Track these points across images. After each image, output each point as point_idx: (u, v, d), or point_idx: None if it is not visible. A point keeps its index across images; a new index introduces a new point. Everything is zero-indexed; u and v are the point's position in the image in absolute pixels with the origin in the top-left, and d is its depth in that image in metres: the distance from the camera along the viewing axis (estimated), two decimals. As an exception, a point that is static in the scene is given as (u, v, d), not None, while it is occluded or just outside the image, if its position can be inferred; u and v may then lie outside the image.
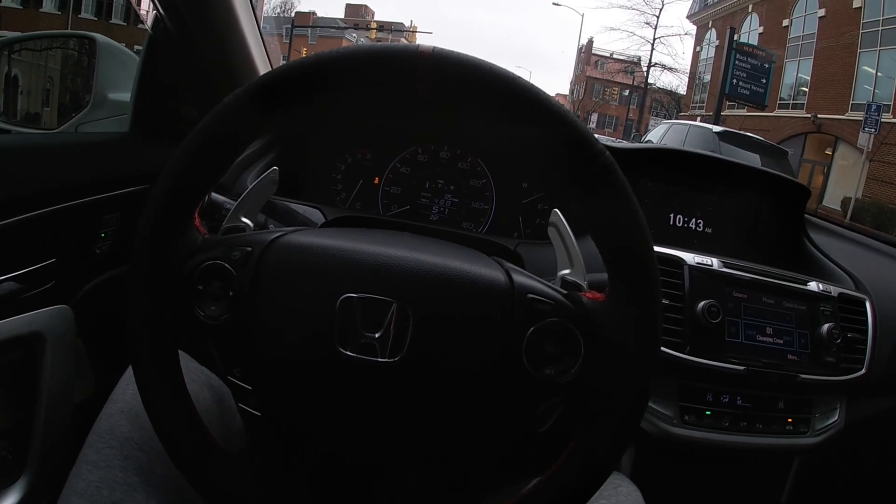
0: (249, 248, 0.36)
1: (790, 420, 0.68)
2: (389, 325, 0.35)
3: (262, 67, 0.73)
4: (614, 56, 24.71)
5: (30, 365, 0.58)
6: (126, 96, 0.73)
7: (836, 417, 0.71)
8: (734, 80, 10.95)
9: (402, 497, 0.43)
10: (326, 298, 0.35)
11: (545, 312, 0.36)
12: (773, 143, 7.15)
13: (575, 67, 32.97)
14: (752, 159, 5.44)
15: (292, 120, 0.37)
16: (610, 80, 24.75)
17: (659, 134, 8.19)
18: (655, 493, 0.57)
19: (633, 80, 22.96)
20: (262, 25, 0.72)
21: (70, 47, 0.89)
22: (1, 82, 0.78)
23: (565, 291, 0.38)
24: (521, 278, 0.37)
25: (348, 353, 0.34)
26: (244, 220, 0.41)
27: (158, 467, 0.43)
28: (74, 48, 0.87)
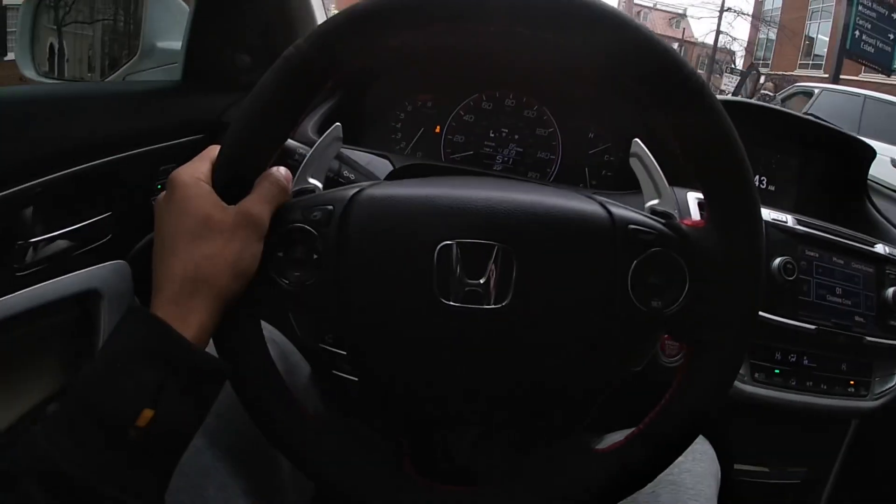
0: (330, 207, 0.34)
1: (852, 382, 0.68)
2: (492, 269, 0.33)
3: (318, 12, 0.70)
4: (658, 6, 22.94)
5: (87, 323, 0.57)
6: (174, 45, 0.71)
7: (893, 382, 0.71)
8: (856, 33, 7.78)
9: (502, 450, 0.42)
10: (422, 249, 0.33)
11: (648, 243, 0.34)
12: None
13: None
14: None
15: (356, 65, 0.35)
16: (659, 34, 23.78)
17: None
18: (723, 450, 0.57)
19: (683, 35, 21.13)
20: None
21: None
22: (43, 32, 0.75)
23: (664, 220, 0.36)
24: (619, 210, 0.36)
25: (452, 303, 0.33)
26: (312, 181, 0.38)
27: (227, 436, 0.42)
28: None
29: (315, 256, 0.34)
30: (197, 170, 0.33)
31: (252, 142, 0.33)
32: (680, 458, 0.35)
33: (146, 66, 0.72)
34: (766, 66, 14.11)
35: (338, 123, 0.40)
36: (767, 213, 0.62)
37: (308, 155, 0.39)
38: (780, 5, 14.72)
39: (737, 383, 0.61)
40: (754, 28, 15.97)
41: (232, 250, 0.32)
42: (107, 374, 0.28)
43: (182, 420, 0.30)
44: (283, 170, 0.35)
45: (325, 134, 0.39)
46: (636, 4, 22.14)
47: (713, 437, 0.58)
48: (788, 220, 0.63)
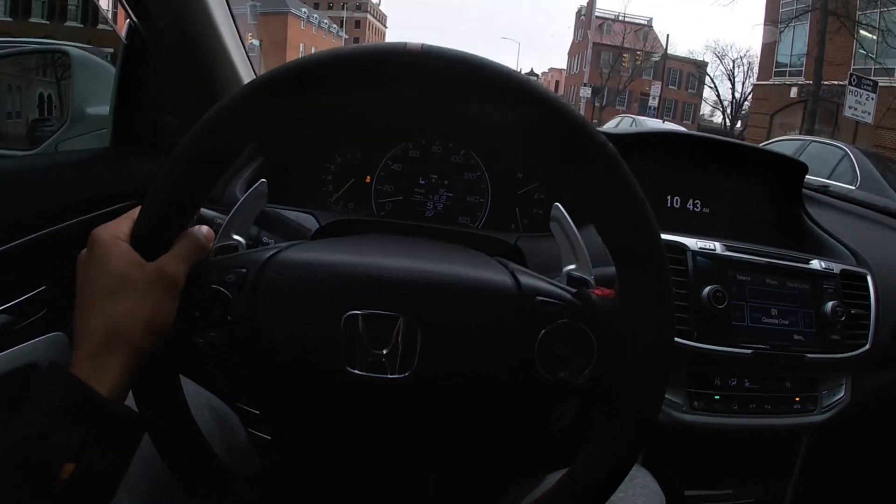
0: (244, 270, 0.35)
1: (798, 399, 0.68)
2: (397, 340, 0.33)
3: (244, 72, 0.71)
4: (621, 17, 21.88)
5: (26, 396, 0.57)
6: (104, 110, 0.71)
7: (842, 394, 0.71)
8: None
9: None
10: (329, 317, 0.34)
11: (555, 314, 0.35)
12: None
13: (574, 33, 28.48)
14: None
15: (279, 123, 0.36)
16: (623, 46, 21.12)
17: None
18: (669, 479, 0.57)
19: (645, 46, 20.42)
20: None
21: (45, 63, 0.86)
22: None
23: (574, 290, 0.37)
24: (527, 280, 0.36)
25: (357, 371, 0.33)
26: (236, 237, 0.40)
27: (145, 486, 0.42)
28: (50, 63, 0.84)
29: (229, 318, 0.34)
30: (117, 228, 0.34)
31: (171, 201, 0.34)
32: (619, 494, 0.35)
33: (78, 133, 0.72)
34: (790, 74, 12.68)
35: (263, 180, 0.41)
36: (694, 243, 0.63)
37: (232, 211, 0.40)
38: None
39: (675, 413, 0.62)
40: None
41: (147, 307, 0.33)
42: (29, 431, 0.30)
43: (103, 470, 0.31)
44: (204, 228, 0.36)
45: (251, 190, 0.40)
46: (599, 17, 21.46)
47: (655, 467, 0.58)
48: (717, 247, 0.64)
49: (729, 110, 18.50)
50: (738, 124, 17.59)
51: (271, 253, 0.36)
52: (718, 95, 18.86)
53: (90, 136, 0.72)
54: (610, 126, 8.56)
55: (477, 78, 0.31)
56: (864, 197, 0.90)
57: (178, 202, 0.34)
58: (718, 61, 18.62)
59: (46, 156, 0.74)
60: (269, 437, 0.44)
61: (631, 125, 8.90)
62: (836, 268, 0.70)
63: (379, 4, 43.12)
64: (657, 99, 17.87)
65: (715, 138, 0.78)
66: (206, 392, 0.52)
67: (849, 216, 0.84)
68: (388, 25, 45.78)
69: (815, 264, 0.69)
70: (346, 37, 36.74)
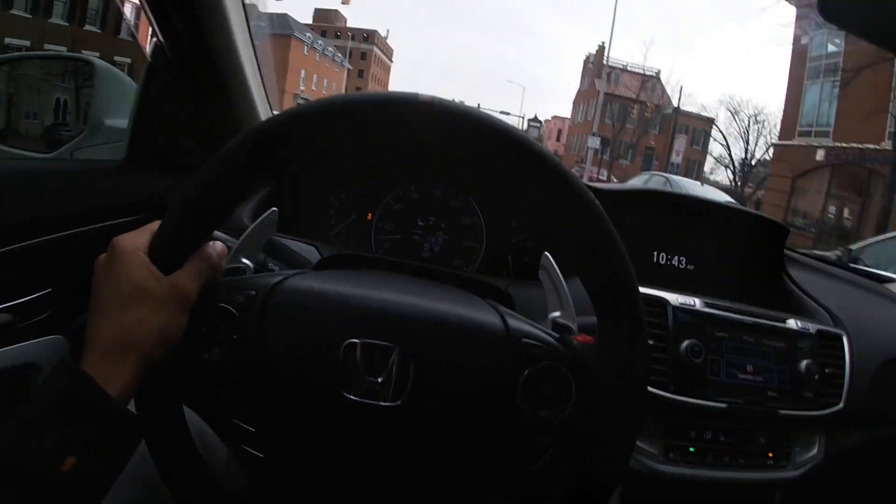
0: (253, 293, 0.37)
1: (771, 454, 0.70)
2: (392, 370, 0.36)
3: (259, 99, 0.74)
4: (629, 68, 21.28)
5: (24, 396, 0.58)
6: (122, 123, 0.74)
7: (815, 451, 0.73)
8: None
9: None
10: (330, 343, 0.36)
11: (539, 356, 0.37)
12: None
13: (581, 81, 28.08)
14: None
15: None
16: (639, 99, 20.21)
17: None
18: None
19: (653, 98, 19.40)
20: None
21: (67, 70, 0.89)
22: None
23: (557, 335, 0.39)
24: (515, 322, 0.39)
25: (352, 397, 0.35)
26: (244, 261, 0.42)
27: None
28: (71, 70, 0.87)
29: (235, 336, 0.36)
30: (137, 239, 0.36)
31: (191, 220, 0.36)
32: None
33: (95, 142, 0.75)
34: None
35: (275, 209, 0.43)
36: (676, 298, 0.66)
37: (243, 236, 0.42)
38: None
39: (651, 463, 0.63)
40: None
41: (160, 319, 0.34)
42: (35, 422, 0.31)
43: (102, 467, 0.32)
44: (219, 245, 0.39)
45: (263, 217, 0.43)
46: (608, 66, 20.40)
47: None
48: (696, 303, 0.67)
49: (737, 169, 17.44)
50: (749, 185, 16.60)
51: (280, 279, 0.39)
52: (730, 153, 17.85)
53: (106, 147, 0.74)
54: (635, 183, 8.00)
55: (479, 133, 0.35)
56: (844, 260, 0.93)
57: (197, 222, 0.37)
58: (732, 117, 17.55)
59: (61, 161, 0.76)
60: (262, 455, 0.45)
61: (664, 186, 7.96)
62: (813, 328, 0.73)
63: (386, 38, 43.18)
64: (680, 155, 17.19)
65: (701, 198, 0.82)
66: (187, 410, 0.54)
67: (828, 278, 0.87)
68: (393, 60, 45.74)
69: (792, 323, 0.72)
70: (350, 67, 36.63)
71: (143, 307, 0.34)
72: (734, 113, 17.57)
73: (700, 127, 20.19)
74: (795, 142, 11.28)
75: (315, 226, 0.75)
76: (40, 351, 0.58)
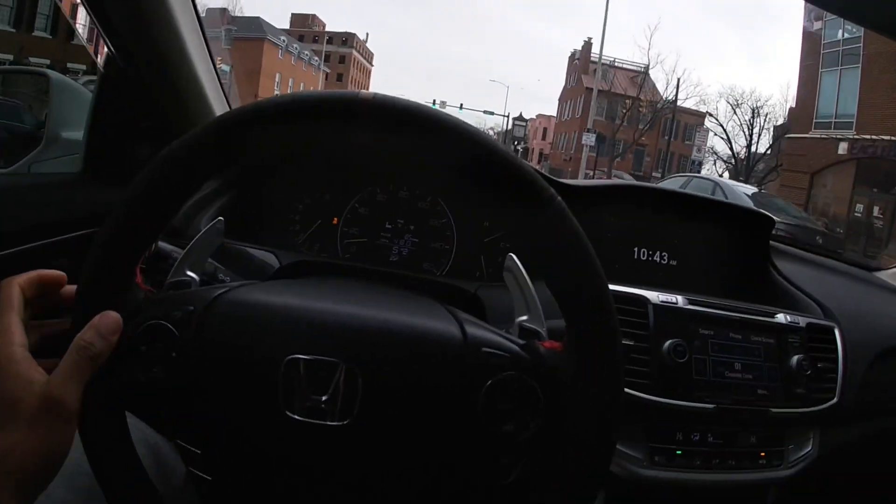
0: (191, 307, 0.35)
1: (763, 454, 0.67)
2: (337, 386, 0.33)
3: (217, 104, 0.71)
4: (617, 63, 21.05)
5: None
6: (79, 135, 0.71)
7: (809, 448, 0.70)
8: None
9: None
10: (271, 360, 0.33)
11: (501, 366, 0.34)
12: None
13: (567, 78, 27.74)
14: None
15: (242, 164, 0.37)
16: (637, 96, 19.25)
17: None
18: None
19: (641, 94, 18.89)
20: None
21: (22, 83, 0.86)
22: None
23: (522, 341, 0.36)
24: (474, 330, 0.36)
25: (296, 416, 0.33)
26: (189, 273, 0.40)
27: None
28: (27, 83, 0.85)
29: (173, 354, 0.34)
30: (9, 333, 0.32)
31: (114, 254, 0.34)
32: None
33: (52, 156, 0.72)
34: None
35: (220, 218, 0.41)
36: (656, 296, 0.63)
37: (188, 247, 0.40)
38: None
39: (635, 468, 0.61)
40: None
41: (36, 439, 0.30)
42: None
43: None
44: (110, 317, 0.34)
45: (207, 227, 0.40)
46: (592, 62, 20.24)
47: None
48: (679, 300, 0.64)
49: (741, 165, 16.45)
50: (752, 181, 15.27)
51: (220, 292, 0.36)
52: (732, 149, 16.94)
53: (63, 160, 0.72)
54: (670, 184, 7.02)
55: (425, 129, 0.32)
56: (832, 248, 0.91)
57: (120, 256, 0.34)
58: (732, 111, 16.55)
59: (15, 176, 0.73)
60: (209, 478, 0.43)
61: (713, 190, 6.94)
62: (803, 321, 0.70)
63: (366, 41, 42.77)
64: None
65: (681, 192, 0.79)
66: (143, 426, 0.51)
67: (816, 268, 0.85)
68: (374, 63, 45.19)
69: (781, 318, 0.69)
70: (328, 71, 36.09)
71: (17, 429, 0.29)
72: (735, 106, 16.91)
73: (693, 122, 19.85)
74: (813, 134, 10.15)
75: (281, 233, 0.72)
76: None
